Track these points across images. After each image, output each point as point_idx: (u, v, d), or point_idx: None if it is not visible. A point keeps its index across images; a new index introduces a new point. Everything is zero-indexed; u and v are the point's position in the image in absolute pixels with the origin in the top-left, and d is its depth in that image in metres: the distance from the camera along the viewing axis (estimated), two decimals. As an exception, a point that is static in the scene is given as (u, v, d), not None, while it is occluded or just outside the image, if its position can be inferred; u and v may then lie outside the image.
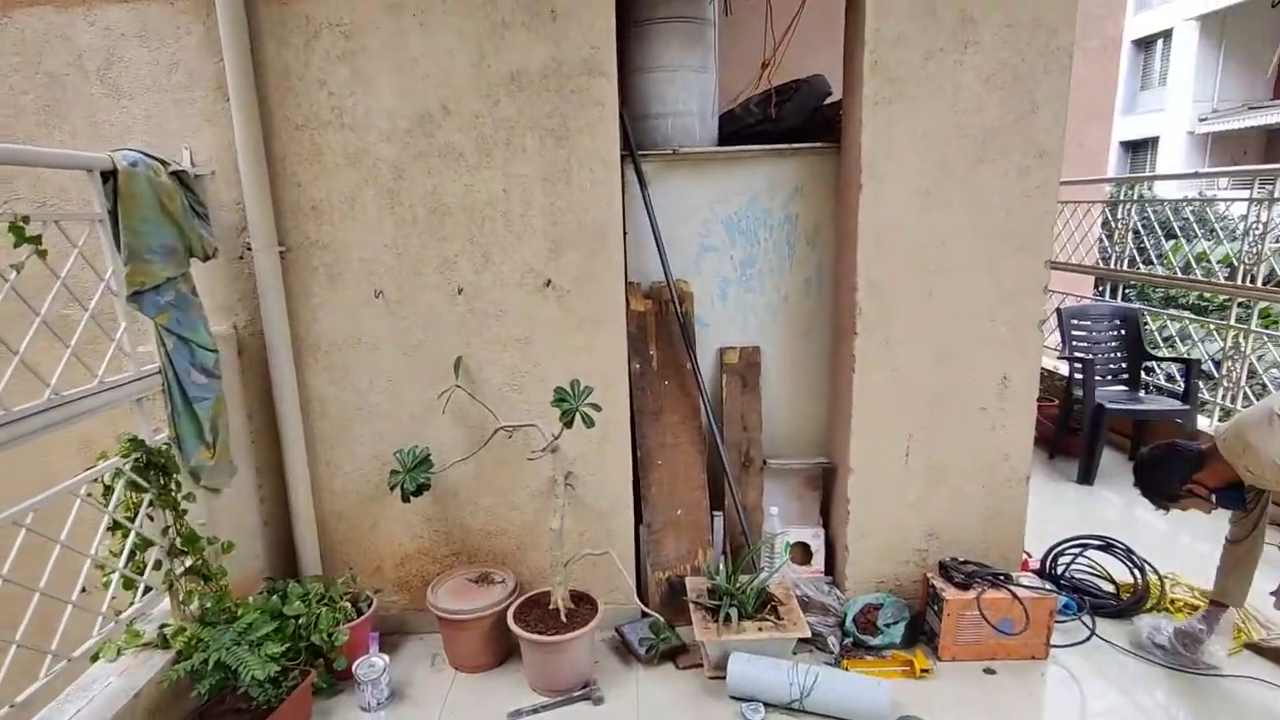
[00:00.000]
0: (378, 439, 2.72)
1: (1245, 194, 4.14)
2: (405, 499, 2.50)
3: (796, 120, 2.85)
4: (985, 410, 2.71)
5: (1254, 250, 4.00)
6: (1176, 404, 4.15)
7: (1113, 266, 5.33)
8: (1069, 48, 2.45)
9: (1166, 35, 19.66)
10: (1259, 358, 4.12)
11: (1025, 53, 2.44)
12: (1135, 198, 5.36)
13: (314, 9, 2.41)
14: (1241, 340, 4.08)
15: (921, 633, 2.71)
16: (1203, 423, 4.15)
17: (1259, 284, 4.01)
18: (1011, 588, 2.58)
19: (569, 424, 2.16)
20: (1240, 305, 4.13)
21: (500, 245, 2.57)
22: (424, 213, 2.54)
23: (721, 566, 2.66)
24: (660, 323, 2.89)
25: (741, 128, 2.94)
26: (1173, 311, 5.63)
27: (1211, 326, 4.87)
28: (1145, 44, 20.20)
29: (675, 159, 2.81)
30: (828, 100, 2.94)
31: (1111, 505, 3.98)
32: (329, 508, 2.77)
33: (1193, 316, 5.09)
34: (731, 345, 2.96)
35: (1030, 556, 3.05)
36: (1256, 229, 3.99)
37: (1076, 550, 3.09)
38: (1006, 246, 2.58)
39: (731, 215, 2.86)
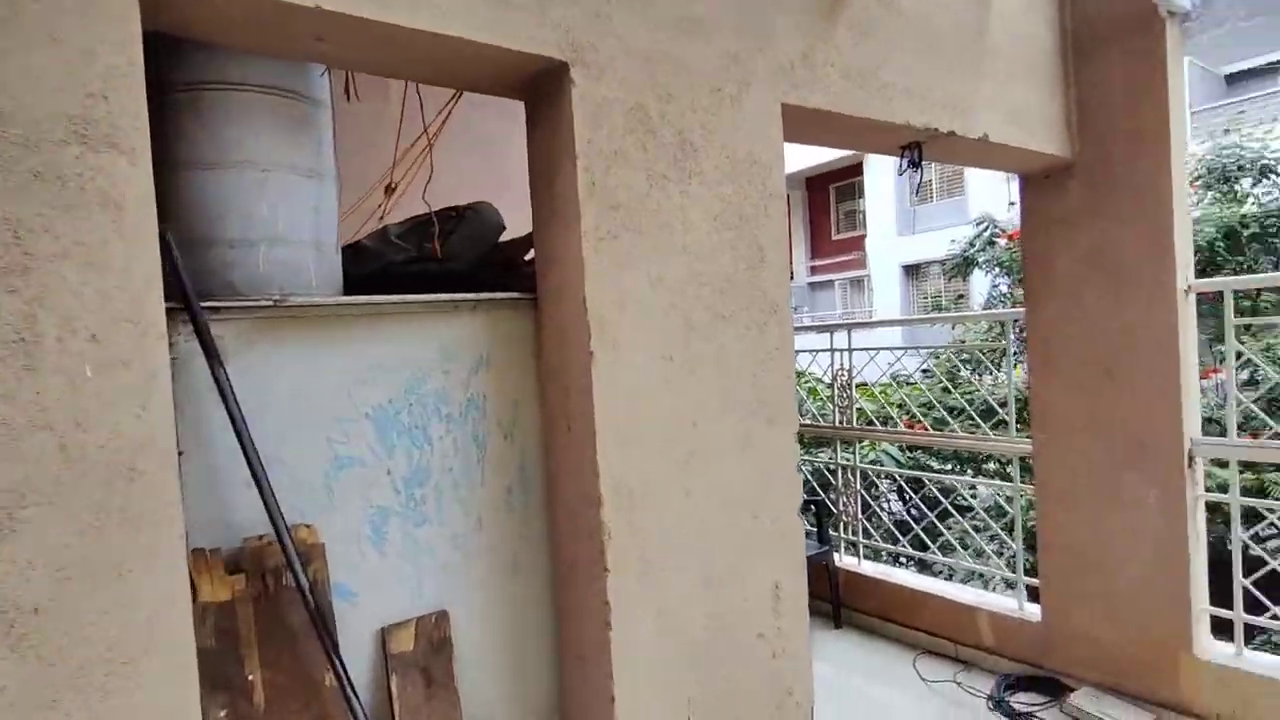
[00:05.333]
0: None
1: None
2: None
3: (469, 260, 1.94)
4: (763, 636, 2.04)
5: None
6: (817, 545, 4.21)
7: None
8: (782, 192, 2.13)
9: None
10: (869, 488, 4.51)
11: (747, 191, 2.03)
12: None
13: None
14: (851, 476, 4.42)
15: None
16: (838, 559, 4.30)
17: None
18: None
19: None
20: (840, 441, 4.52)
21: None
22: None
23: None
24: (265, 612, 1.53)
25: (385, 267, 1.89)
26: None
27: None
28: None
29: (279, 314, 1.60)
30: (501, 237, 2.12)
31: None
32: None
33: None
34: (402, 620, 1.74)
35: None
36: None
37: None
38: (758, 420, 2.04)
39: (384, 404, 1.74)
